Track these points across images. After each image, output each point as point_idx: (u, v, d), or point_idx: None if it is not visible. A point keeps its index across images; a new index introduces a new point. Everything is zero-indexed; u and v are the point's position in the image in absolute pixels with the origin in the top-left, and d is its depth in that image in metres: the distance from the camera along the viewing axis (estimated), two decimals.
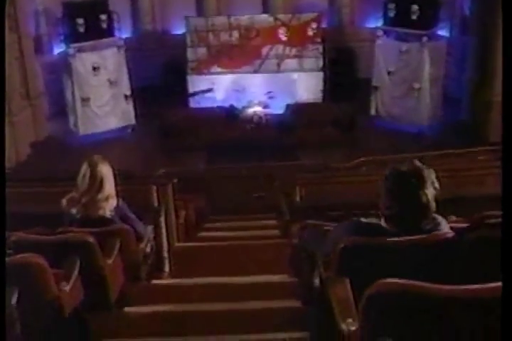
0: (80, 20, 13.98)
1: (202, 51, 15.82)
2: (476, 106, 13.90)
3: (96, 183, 5.29)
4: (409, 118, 14.37)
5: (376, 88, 14.89)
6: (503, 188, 2.79)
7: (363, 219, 3.56)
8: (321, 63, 15.67)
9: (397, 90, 14.65)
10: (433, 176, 3.37)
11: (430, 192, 3.32)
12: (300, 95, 15.72)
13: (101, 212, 5.32)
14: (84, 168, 5.32)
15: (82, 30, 14.07)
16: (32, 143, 14.02)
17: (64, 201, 5.37)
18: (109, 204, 5.36)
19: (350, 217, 3.81)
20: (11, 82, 12.52)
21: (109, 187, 5.37)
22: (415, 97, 14.29)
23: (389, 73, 14.57)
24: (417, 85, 14.18)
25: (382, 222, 3.43)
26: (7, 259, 3.74)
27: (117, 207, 5.42)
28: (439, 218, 3.47)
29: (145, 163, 13.12)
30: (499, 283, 2.47)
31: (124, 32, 15.55)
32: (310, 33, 15.66)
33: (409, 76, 14.29)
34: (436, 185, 3.36)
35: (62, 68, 14.37)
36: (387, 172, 3.44)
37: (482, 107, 13.54)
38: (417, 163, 3.43)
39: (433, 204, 3.34)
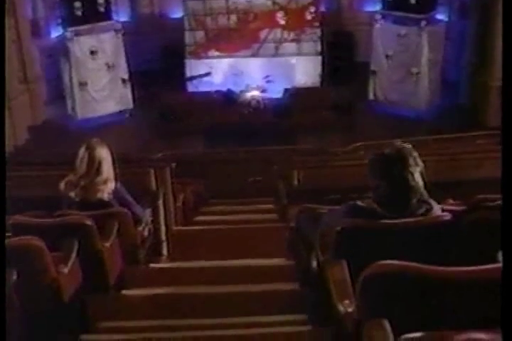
0: (78, 4, 13.93)
1: (200, 35, 15.76)
2: (475, 91, 13.88)
3: (94, 166, 5.31)
4: (407, 103, 14.34)
5: (374, 72, 14.84)
6: (502, 171, 2.80)
7: (358, 203, 3.58)
8: (319, 47, 15.61)
9: (396, 74, 14.60)
10: (415, 154, 3.41)
11: (415, 170, 3.35)
12: (298, 79, 15.68)
13: (99, 195, 5.34)
14: (83, 151, 5.33)
15: (79, 13, 14.02)
16: (30, 128, 14.00)
17: (62, 184, 5.38)
18: (108, 187, 5.37)
19: (347, 200, 3.83)
20: (8, 66, 12.47)
21: (108, 170, 5.39)
22: (413, 82, 14.25)
23: (387, 57, 14.52)
24: (415, 69, 14.13)
25: (375, 205, 3.46)
26: (6, 241, 3.76)
27: (115, 190, 5.44)
28: (433, 202, 3.49)
29: (143, 146, 13.11)
30: (496, 265, 2.48)
31: (122, 15, 15.48)
32: (308, 16, 15.59)
33: (407, 60, 14.24)
34: (420, 162, 3.40)
35: (59, 52, 14.32)
36: (370, 157, 3.50)
37: (480, 91, 13.54)
38: (398, 143, 3.48)
39: (421, 182, 3.37)
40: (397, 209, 3.39)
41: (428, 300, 2.54)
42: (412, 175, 3.34)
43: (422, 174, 3.39)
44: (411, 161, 3.36)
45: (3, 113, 10.44)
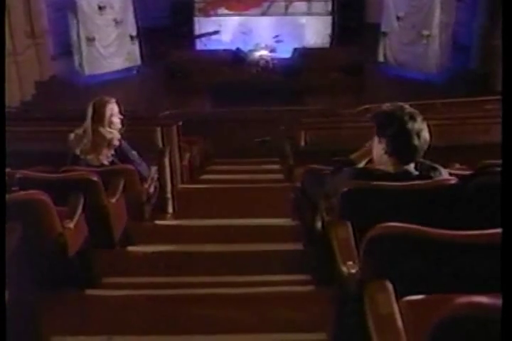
0: None
1: None
2: (486, 55, 13.73)
3: (101, 124, 5.33)
4: (417, 66, 14.24)
5: (385, 34, 14.70)
6: (502, 136, 2.79)
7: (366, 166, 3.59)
8: (329, 7, 15.46)
9: (406, 36, 14.46)
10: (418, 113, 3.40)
11: (424, 128, 3.33)
12: (308, 39, 15.57)
13: (102, 159, 5.36)
14: (91, 108, 5.32)
15: None
16: (36, 83, 13.94)
17: (71, 135, 5.40)
18: (111, 149, 5.38)
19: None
20: (15, 20, 12.37)
21: (114, 129, 5.40)
22: (424, 44, 14.11)
23: (398, 19, 14.37)
24: (426, 32, 13.98)
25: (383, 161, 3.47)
26: (12, 195, 3.77)
27: (119, 150, 5.43)
28: (441, 168, 3.49)
29: (150, 104, 13.06)
30: (499, 229, 2.48)
31: None
32: None
33: (418, 22, 14.08)
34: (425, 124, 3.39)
35: (67, 6, 14.17)
36: (374, 113, 3.49)
37: (492, 56, 13.38)
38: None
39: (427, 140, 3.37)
40: (405, 156, 3.39)
41: (431, 263, 2.54)
42: (421, 131, 3.33)
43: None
44: (417, 115, 3.36)
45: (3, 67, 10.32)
